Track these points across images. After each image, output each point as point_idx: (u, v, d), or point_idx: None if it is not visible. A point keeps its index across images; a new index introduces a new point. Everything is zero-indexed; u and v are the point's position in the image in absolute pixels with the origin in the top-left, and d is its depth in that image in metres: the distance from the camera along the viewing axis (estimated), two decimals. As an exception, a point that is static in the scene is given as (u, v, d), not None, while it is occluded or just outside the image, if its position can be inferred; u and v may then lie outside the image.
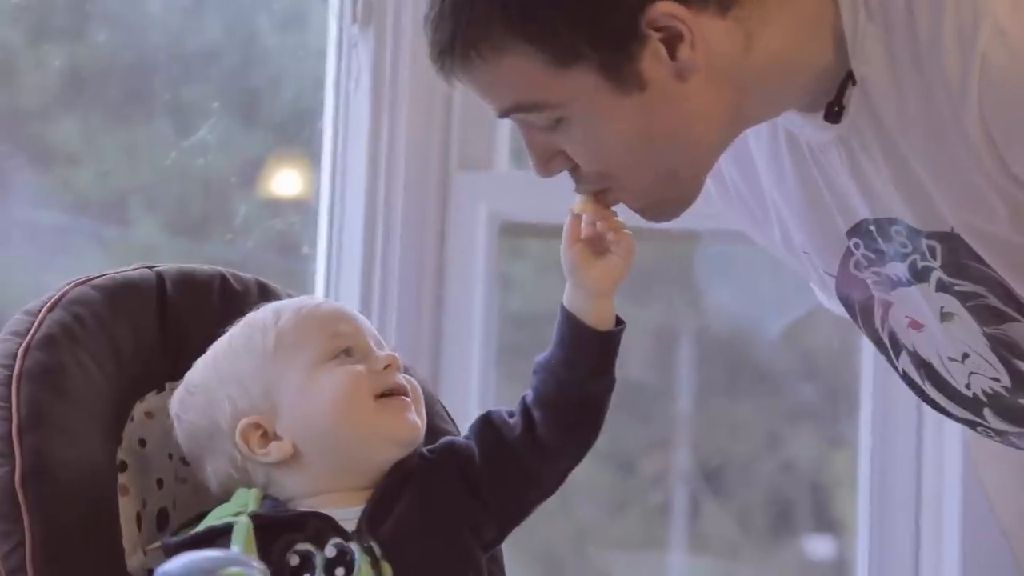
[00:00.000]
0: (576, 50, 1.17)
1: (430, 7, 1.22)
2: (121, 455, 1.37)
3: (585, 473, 2.50)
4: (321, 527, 1.28)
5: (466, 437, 1.35)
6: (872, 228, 1.27)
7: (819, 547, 2.57)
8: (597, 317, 1.30)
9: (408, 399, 1.33)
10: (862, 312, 1.35)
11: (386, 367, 1.33)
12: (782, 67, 1.21)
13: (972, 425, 1.36)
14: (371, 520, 1.29)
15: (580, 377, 1.30)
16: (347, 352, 1.33)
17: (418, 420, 1.33)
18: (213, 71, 2.23)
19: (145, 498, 1.38)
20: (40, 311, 1.39)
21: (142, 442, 1.39)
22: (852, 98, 1.22)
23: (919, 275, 1.27)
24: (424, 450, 1.35)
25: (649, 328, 2.48)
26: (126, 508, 1.36)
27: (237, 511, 1.29)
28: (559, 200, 2.19)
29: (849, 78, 1.21)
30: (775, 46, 1.20)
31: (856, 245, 1.29)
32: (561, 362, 1.30)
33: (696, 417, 2.50)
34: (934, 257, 1.25)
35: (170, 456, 1.40)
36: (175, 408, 1.36)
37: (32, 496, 1.30)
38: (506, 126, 2.18)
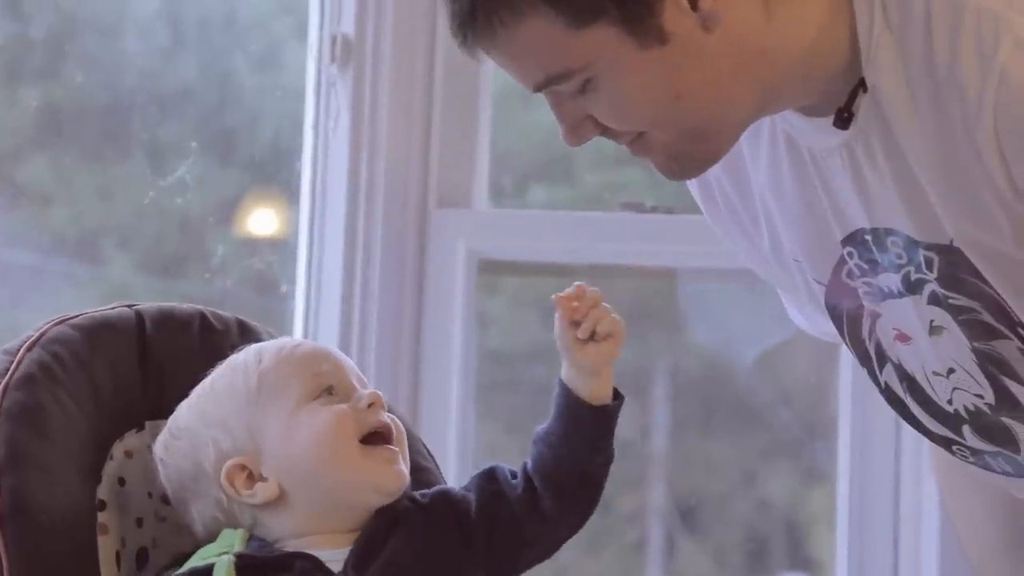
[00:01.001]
0: (595, 7, 1.17)
1: None
2: (101, 494, 1.36)
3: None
4: (307, 568, 1.28)
5: (465, 488, 1.35)
6: (868, 238, 1.27)
7: (795, 584, 2.57)
8: (593, 393, 1.30)
9: (395, 448, 1.33)
10: (850, 322, 1.35)
11: (370, 405, 1.33)
12: (800, 51, 1.22)
13: (948, 444, 1.37)
14: (358, 562, 1.29)
15: (577, 451, 1.30)
16: (329, 391, 1.33)
17: (404, 470, 1.33)
18: (189, 111, 2.24)
19: (124, 537, 1.37)
20: (19, 350, 1.38)
21: (121, 481, 1.38)
22: (862, 105, 1.22)
23: (912, 287, 1.27)
24: (416, 495, 1.34)
25: (624, 366, 2.49)
26: (105, 547, 1.35)
27: (222, 551, 1.29)
28: (537, 238, 2.21)
29: (861, 85, 1.22)
30: (792, 25, 1.21)
31: (850, 254, 1.29)
32: (559, 436, 1.31)
33: (671, 455, 2.50)
34: (930, 269, 1.25)
35: (150, 495, 1.39)
36: (159, 452, 1.35)
37: (11, 536, 1.29)
38: (484, 164, 2.19)
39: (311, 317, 2.06)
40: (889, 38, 1.20)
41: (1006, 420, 1.30)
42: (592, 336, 1.29)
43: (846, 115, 1.23)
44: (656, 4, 1.17)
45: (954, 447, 1.37)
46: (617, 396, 1.32)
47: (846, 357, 2.20)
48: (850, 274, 1.31)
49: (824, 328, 1.40)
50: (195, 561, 1.29)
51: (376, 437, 1.32)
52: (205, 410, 1.34)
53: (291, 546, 1.30)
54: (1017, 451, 1.32)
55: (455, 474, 1.91)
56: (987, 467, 1.37)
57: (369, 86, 2.06)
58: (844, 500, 2.22)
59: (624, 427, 2.47)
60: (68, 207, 2.27)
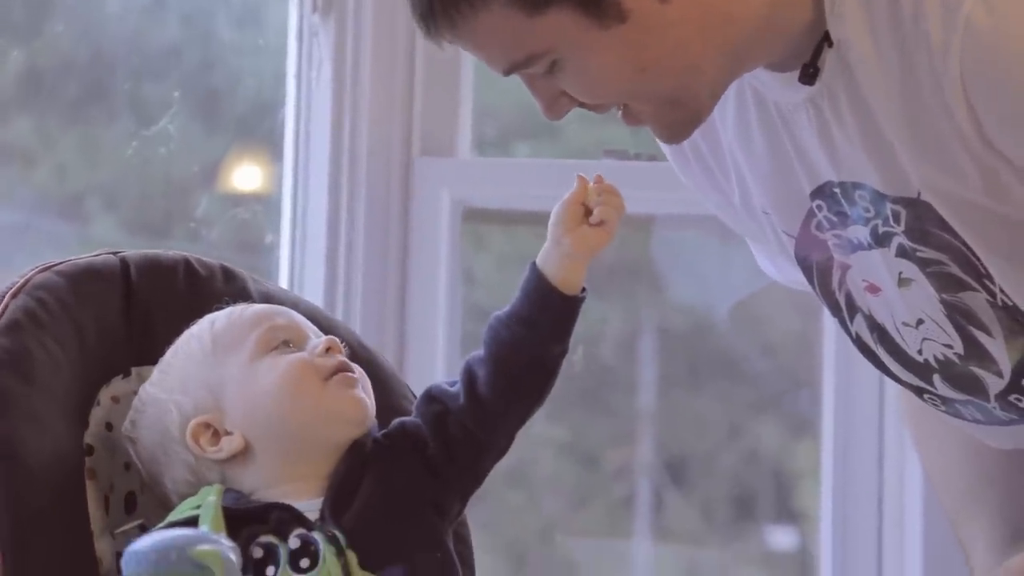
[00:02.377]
0: None
1: None
2: (88, 439, 1.36)
3: (550, 467, 2.52)
4: (283, 518, 1.28)
5: (414, 417, 1.35)
6: (837, 191, 1.28)
7: (782, 537, 2.58)
8: (565, 281, 1.29)
9: (354, 375, 1.33)
10: (819, 273, 1.36)
11: (327, 350, 1.33)
12: (765, 9, 1.22)
13: (920, 392, 1.37)
14: (333, 508, 1.29)
15: (539, 337, 1.29)
16: (286, 343, 1.34)
17: (365, 397, 1.33)
18: (171, 68, 2.23)
19: (113, 481, 1.37)
20: (4, 297, 1.38)
21: (108, 426, 1.38)
22: (827, 60, 1.22)
23: (880, 240, 1.28)
24: (378, 435, 1.34)
25: (611, 322, 2.49)
26: (93, 492, 1.35)
27: (198, 504, 1.29)
28: (521, 187, 2.21)
29: (825, 39, 1.22)
30: None
31: (819, 207, 1.30)
32: (522, 319, 1.29)
33: (659, 410, 2.51)
34: (897, 222, 1.25)
35: (137, 440, 1.40)
36: (127, 431, 1.36)
37: (0, 481, 1.30)
38: (468, 113, 2.19)
39: (296, 268, 2.06)
40: None
41: (975, 369, 1.31)
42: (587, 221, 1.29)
43: (811, 70, 1.23)
44: None
45: (925, 395, 1.37)
46: (583, 290, 1.31)
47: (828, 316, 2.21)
48: (819, 226, 1.31)
49: (795, 277, 1.40)
50: (174, 516, 1.29)
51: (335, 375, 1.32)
52: (165, 380, 1.35)
53: (267, 497, 1.30)
54: (987, 399, 1.33)
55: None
56: (958, 414, 1.37)
57: (351, 35, 2.06)
58: (828, 452, 2.23)
59: (611, 383, 2.48)
60: (52, 166, 2.27)
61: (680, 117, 1.25)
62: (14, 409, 1.32)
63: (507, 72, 1.23)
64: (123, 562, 1.18)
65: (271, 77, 2.22)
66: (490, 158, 2.23)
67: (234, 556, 1.12)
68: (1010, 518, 1.47)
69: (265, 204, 2.23)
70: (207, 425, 1.32)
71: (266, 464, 1.31)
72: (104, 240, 2.23)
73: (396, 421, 1.35)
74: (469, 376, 1.32)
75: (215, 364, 1.33)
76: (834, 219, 1.30)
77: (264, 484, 1.31)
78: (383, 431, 1.35)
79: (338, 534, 1.27)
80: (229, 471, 1.32)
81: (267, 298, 1.47)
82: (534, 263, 1.31)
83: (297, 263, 2.06)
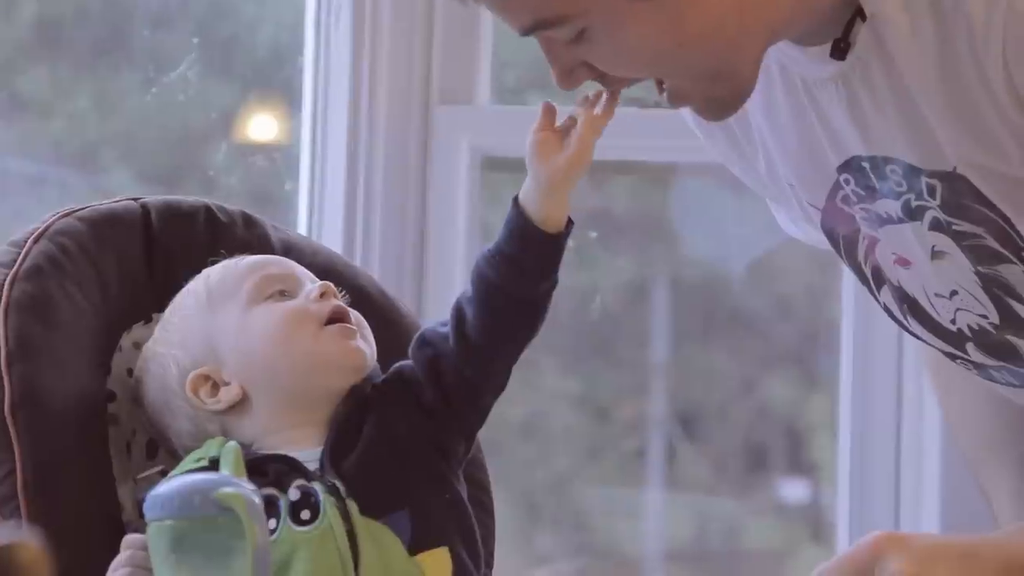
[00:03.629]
0: None
1: None
2: (110, 385, 1.37)
3: (561, 421, 2.52)
4: (282, 469, 1.27)
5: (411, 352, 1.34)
6: (866, 165, 1.27)
7: (793, 490, 2.59)
8: (547, 215, 1.26)
9: (351, 326, 1.32)
10: (846, 245, 1.35)
11: (322, 295, 1.32)
12: None
13: (952, 357, 1.37)
14: (333, 456, 1.28)
15: (523, 275, 1.27)
16: (281, 293, 1.33)
17: (363, 345, 1.32)
18: (186, 17, 2.22)
19: (135, 427, 1.37)
20: (25, 243, 1.38)
21: (130, 372, 1.38)
22: (860, 35, 1.21)
23: (912, 214, 1.26)
24: (377, 381, 1.34)
25: (622, 274, 2.49)
26: (116, 437, 1.36)
27: (200, 457, 1.29)
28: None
29: (858, 13, 1.20)
30: None
31: (846, 180, 1.29)
32: (505, 258, 1.27)
33: (672, 362, 2.51)
34: (933, 196, 1.24)
35: (159, 386, 1.40)
36: (133, 387, 1.36)
37: (22, 424, 1.30)
38: (487, 61, 2.18)
39: (315, 216, 2.06)
40: None
41: (1011, 338, 1.30)
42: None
43: (843, 44, 1.21)
44: None
45: (958, 360, 1.37)
46: (569, 223, 1.28)
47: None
48: (846, 199, 1.30)
49: (818, 238, 1.39)
50: (180, 469, 1.29)
51: (331, 322, 1.32)
52: (163, 335, 1.35)
53: (266, 447, 1.30)
54: (1021, 364, 1.32)
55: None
56: (990, 378, 1.37)
57: (371, -20, 2.05)
58: (847, 406, 2.23)
59: (624, 335, 2.48)
60: (66, 118, 2.26)
61: (722, 93, 1.22)
62: (37, 353, 1.33)
63: (528, 31, 1.19)
64: (145, 507, 1.18)
65: (287, 26, 2.21)
66: (508, 106, 2.22)
67: (257, 499, 1.12)
68: None
69: (282, 153, 2.23)
70: (206, 377, 1.32)
71: (264, 413, 1.31)
72: (120, 191, 2.23)
73: (394, 367, 1.34)
74: (458, 317, 1.30)
75: (211, 316, 1.33)
76: (862, 193, 1.28)
77: (263, 433, 1.31)
78: (382, 378, 1.34)
79: (338, 484, 1.27)
80: (229, 421, 1.32)
81: (287, 245, 1.46)
82: (516, 199, 1.28)
83: (316, 211, 2.05)
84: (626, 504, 2.52)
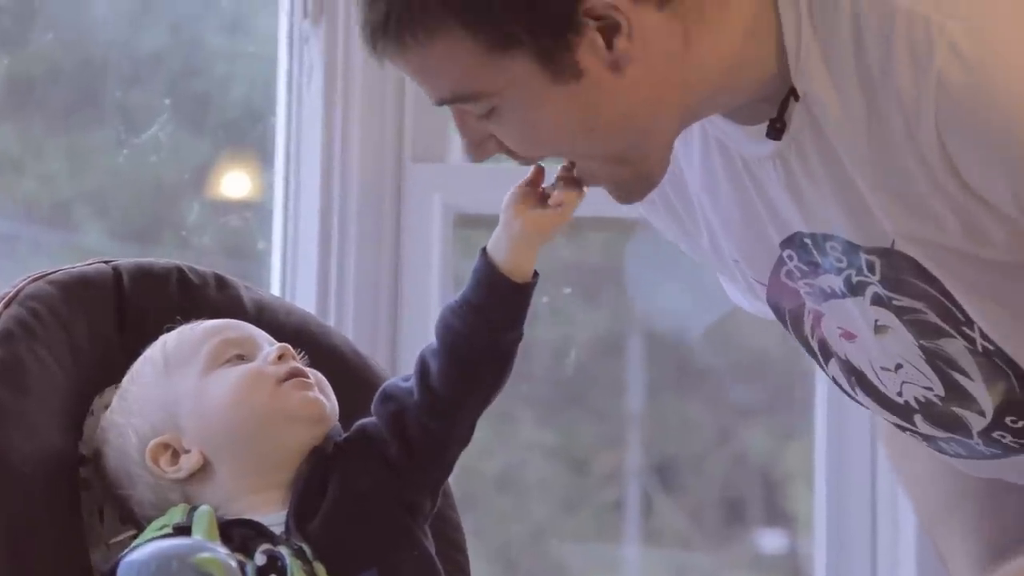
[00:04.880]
0: (513, 36, 1.15)
1: None
2: (82, 448, 1.36)
3: (539, 472, 2.52)
4: (248, 534, 1.27)
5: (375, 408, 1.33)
6: (807, 241, 1.27)
7: (772, 540, 2.59)
8: (516, 265, 1.26)
9: (309, 380, 1.31)
10: (792, 319, 1.35)
11: (279, 357, 1.32)
12: (725, 68, 1.20)
13: (901, 429, 1.37)
14: (298, 519, 1.28)
15: (489, 326, 1.27)
16: (238, 357, 1.33)
17: (321, 397, 1.31)
18: (159, 76, 2.23)
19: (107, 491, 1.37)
20: (-4, 307, 1.38)
21: (102, 436, 1.38)
22: (794, 114, 1.21)
23: (854, 289, 1.26)
24: (339, 439, 1.33)
25: (598, 326, 2.50)
26: (88, 501, 1.35)
27: (163, 524, 1.28)
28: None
29: (791, 93, 1.21)
30: (715, 46, 1.19)
31: (789, 256, 1.29)
32: (471, 308, 1.27)
33: (647, 414, 2.51)
34: (872, 272, 1.25)
35: (131, 450, 1.39)
36: (94, 457, 1.35)
37: (-7, 490, 1.29)
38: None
39: (288, 275, 2.06)
40: (818, 45, 1.19)
41: (957, 410, 1.31)
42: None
43: (778, 125, 1.21)
44: (573, 40, 1.15)
45: (907, 432, 1.37)
46: (535, 275, 1.27)
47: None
48: (790, 275, 1.30)
49: (764, 310, 1.39)
50: (149, 534, 1.28)
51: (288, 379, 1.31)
52: (122, 404, 1.35)
53: (231, 513, 1.29)
54: (970, 436, 1.32)
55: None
56: (940, 450, 1.37)
57: (342, 41, 2.05)
58: (822, 456, 2.23)
59: (600, 387, 2.48)
60: (39, 176, 2.26)
61: (629, 176, 1.23)
62: (7, 418, 1.32)
63: (443, 102, 1.20)
64: (120, 571, 1.18)
65: (259, 84, 2.21)
66: (482, 165, 2.22)
67: (233, 563, 1.12)
68: (987, 534, 1.46)
69: (255, 211, 2.23)
70: (165, 446, 1.32)
71: (227, 479, 1.30)
72: (93, 249, 2.22)
73: (357, 424, 1.34)
74: (423, 369, 1.30)
75: (168, 383, 1.33)
76: (805, 268, 1.29)
77: (227, 499, 1.30)
78: (345, 436, 1.33)
79: (304, 547, 1.26)
80: (191, 489, 1.31)
81: (260, 306, 1.46)
82: (484, 249, 1.28)
83: (289, 270, 2.05)
84: (603, 558, 2.51)
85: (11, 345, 1.35)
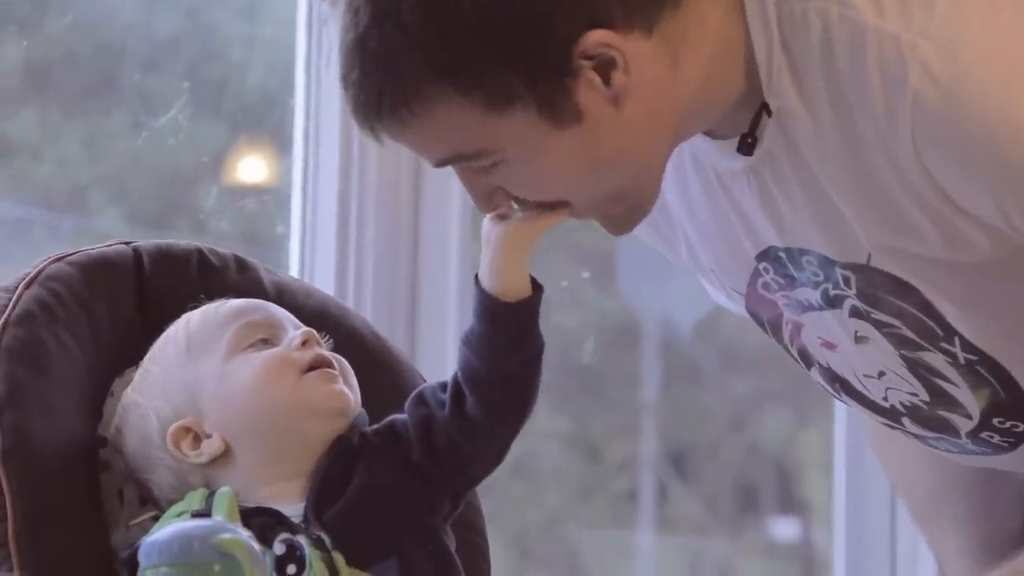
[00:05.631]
0: (510, 93, 1.14)
1: (348, 67, 1.17)
2: (101, 430, 1.36)
3: (553, 461, 2.51)
4: (267, 523, 1.26)
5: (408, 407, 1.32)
6: (782, 255, 1.27)
7: (786, 528, 2.59)
8: (505, 285, 1.24)
9: (333, 371, 1.30)
10: (771, 328, 1.34)
11: (304, 343, 1.30)
12: (707, 86, 1.20)
13: (890, 427, 1.36)
14: (317, 508, 1.27)
15: (499, 352, 1.25)
16: (263, 341, 1.31)
17: (346, 390, 1.30)
18: (176, 59, 2.23)
19: (127, 473, 1.36)
20: (17, 288, 1.38)
21: (123, 418, 1.38)
22: (767, 129, 1.21)
23: (832, 302, 1.26)
24: (369, 430, 1.32)
25: (612, 315, 2.49)
26: (108, 484, 1.35)
27: (182, 511, 1.27)
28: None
29: (763, 109, 1.20)
30: (698, 65, 1.19)
31: (765, 269, 1.29)
32: (479, 337, 1.25)
33: (662, 403, 2.51)
34: (848, 287, 1.24)
35: (151, 432, 1.39)
36: (113, 438, 1.34)
37: (13, 472, 1.29)
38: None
39: (307, 258, 2.05)
40: (788, 62, 1.18)
41: (943, 413, 1.30)
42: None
43: (750, 140, 1.21)
44: (570, 84, 1.15)
45: (896, 430, 1.37)
46: (537, 287, 1.25)
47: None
48: (767, 287, 1.30)
49: (742, 312, 1.39)
50: (167, 520, 1.27)
51: (313, 369, 1.30)
52: (143, 384, 1.34)
53: (251, 501, 1.28)
54: (958, 436, 1.32)
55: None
56: (930, 446, 1.37)
57: (361, 24, 2.05)
58: (841, 444, 2.22)
59: (614, 375, 2.48)
60: (55, 161, 2.26)
61: (623, 211, 1.23)
62: (28, 400, 1.32)
63: (443, 163, 1.19)
64: (141, 553, 1.17)
65: (277, 69, 2.21)
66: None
67: (256, 544, 1.12)
68: (978, 525, 1.46)
69: (274, 195, 2.23)
70: (187, 429, 1.31)
71: (248, 465, 1.30)
72: (110, 234, 2.22)
73: (388, 419, 1.33)
74: (455, 389, 1.28)
75: (190, 365, 1.31)
76: (781, 281, 1.28)
77: (247, 486, 1.29)
78: (374, 427, 1.32)
79: (323, 536, 1.25)
80: (212, 474, 1.30)
81: (280, 288, 1.46)
82: (476, 277, 1.26)
83: (308, 254, 2.05)
84: (618, 545, 2.51)
85: (31, 326, 1.34)
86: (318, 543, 1.25)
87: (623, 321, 2.48)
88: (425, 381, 1.46)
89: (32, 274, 1.39)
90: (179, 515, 1.26)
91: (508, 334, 1.25)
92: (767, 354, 2.51)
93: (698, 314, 2.49)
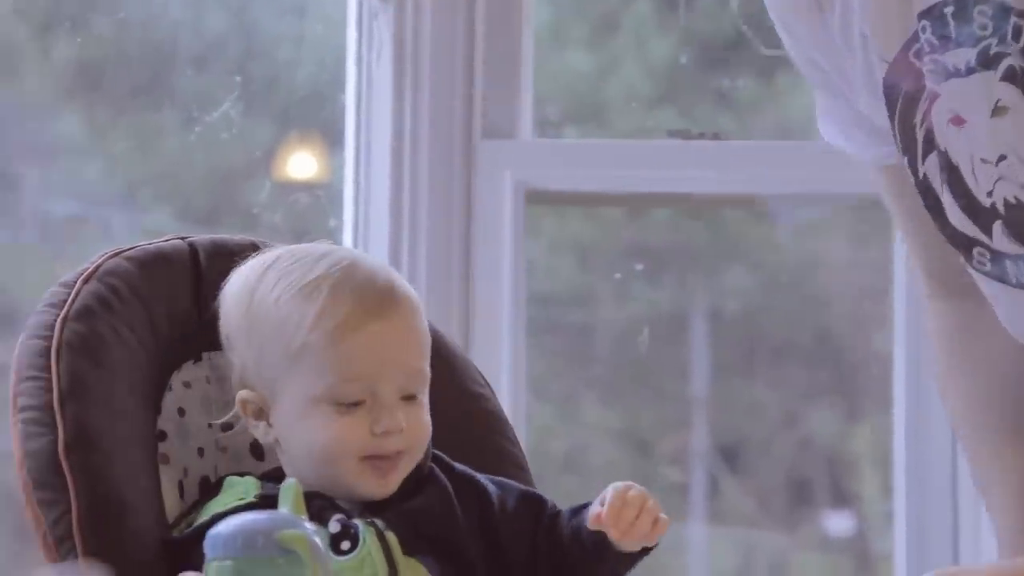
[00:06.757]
0: None
1: None
2: (161, 424, 1.37)
3: (604, 455, 2.51)
4: (323, 505, 1.28)
5: (519, 497, 1.33)
6: (948, 10, 1.24)
7: (840, 523, 2.57)
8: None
9: (394, 459, 1.29)
10: (904, 105, 1.31)
11: (385, 433, 1.29)
12: None
13: (970, 247, 1.32)
14: (372, 510, 1.29)
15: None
16: (355, 404, 1.29)
17: (394, 480, 1.30)
18: (225, 57, 2.23)
19: (186, 467, 1.37)
20: (75, 283, 1.38)
21: (181, 411, 1.38)
22: None
23: (988, 62, 1.24)
24: (447, 460, 1.33)
25: (662, 308, 2.48)
26: (167, 476, 1.36)
27: (238, 499, 1.29)
28: (582, 167, 2.20)
29: None
30: None
31: (924, 28, 1.26)
32: (578, 558, 1.29)
33: (713, 396, 2.50)
34: (1017, 39, 1.21)
35: (209, 425, 1.39)
36: (234, 319, 1.33)
37: (76, 464, 1.30)
38: (528, 95, 2.18)
39: (359, 249, 2.06)
40: None
41: None
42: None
43: None
44: None
45: (975, 249, 1.32)
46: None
47: (899, 289, 2.20)
48: (918, 53, 1.28)
49: (864, 140, 1.37)
50: (216, 508, 1.29)
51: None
52: (255, 324, 1.32)
53: (305, 486, 1.27)
54: None
55: (508, 402, 1.91)
56: (1003, 275, 1.32)
57: (411, 18, 2.05)
58: (900, 438, 2.21)
59: (665, 368, 2.47)
60: (107, 158, 2.27)
61: None
62: (89, 393, 1.33)
63: None
64: (206, 545, 1.17)
65: (329, 63, 2.21)
66: (551, 139, 2.23)
67: (319, 540, 1.12)
68: None
69: (326, 190, 2.23)
70: (255, 404, 1.32)
71: (299, 476, 1.28)
72: (160, 231, 2.23)
73: (469, 475, 1.33)
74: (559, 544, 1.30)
75: (289, 365, 1.30)
76: (936, 42, 1.26)
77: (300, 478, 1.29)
78: (458, 467, 1.32)
79: (377, 520, 1.27)
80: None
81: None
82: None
83: (361, 247, 2.06)
84: (670, 538, 2.50)
85: (91, 321, 1.35)
86: (371, 524, 1.27)
87: (674, 313, 2.47)
88: (483, 378, 1.46)
89: (90, 269, 1.39)
90: (239, 499, 1.27)
91: (609, 568, 1.29)
92: (819, 347, 2.50)
93: (749, 306, 2.48)
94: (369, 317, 1.29)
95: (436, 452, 1.34)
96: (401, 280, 1.33)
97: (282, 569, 1.11)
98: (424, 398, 1.32)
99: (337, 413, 1.29)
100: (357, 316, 1.29)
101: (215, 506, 1.30)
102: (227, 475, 1.35)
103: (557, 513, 1.33)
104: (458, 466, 1.34)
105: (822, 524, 2.57)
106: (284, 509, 1.22)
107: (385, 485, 1.30)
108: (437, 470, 1.33)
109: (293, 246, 1.37)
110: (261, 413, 1.31)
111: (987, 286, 1.34)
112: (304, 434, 1.29)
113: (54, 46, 2.23)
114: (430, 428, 1.32)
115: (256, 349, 1.32)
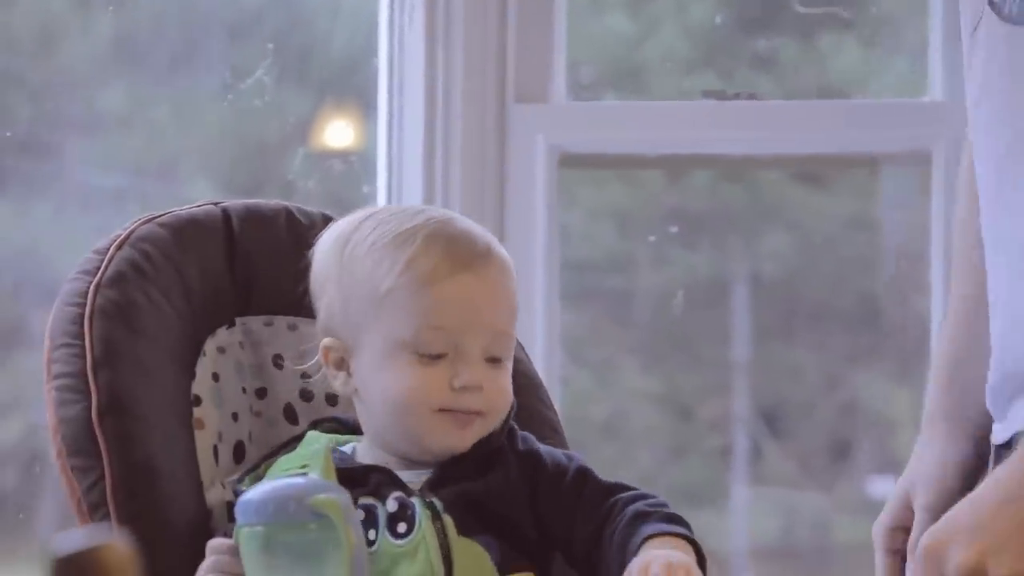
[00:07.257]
0: None
1: None
2: (195, 389, 1.37)
3: (644, 420, 2.50)
4: (383, 480, 1.27)
5: (577, 472, 1.29)
6: None
7: (882, 485, 2.56)
8: None
9: (471, 415, 1.27)
10: None
11: (464, 388, 1.26)
12: None
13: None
14: (433, 485, 1.27)
15: None
16: (437, 356, 1.26)
17: (471, 433, 1.27)
18: (260, 25, 2.23)
19: (221, 431, 1.38)
20: (108, 249, 1.39)
21: (215, 376, 1.39)
22: None
23: None
24: (518, 438, 1.30)
25: (702, 273, 2.47)
26: (202, 441, 1.36)
27: (304, 463, 1.28)
28: (616, 130, 2.19)
29: None
30: None
31: None
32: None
33: (754, 360, 2.49)
34: None
35: (244, 390, 1.40)
36: (331, 253, 1.31)
37: (110, 431, 1.31)
38: (562, 58, 2.17)
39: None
40: None
41: None
42: None
43: None
44: None
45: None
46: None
47: (937, 250, 2.18)
48: None
49: None
50: (277, 471, 1.28)
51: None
52: (346, 268, 1.29)
53: (368, 458, 1.29)
54: None
55: (543, 367, 1.90)
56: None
57: (443, -21, 2.05)
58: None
59: (705, 333, 2.47)
60: (146, 130, 2.28)
61: None
62: (122, 359, 1.33)
63: None
64: (238, 511, 1.18)
65: (362, 30, 2.21)
66: (584, 102, 2.22)
67: (350, 503, 1.12)
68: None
69: (360, 157, 2.23)
70: (337, 353, 1.30)
71: (373, 432, 1.30)
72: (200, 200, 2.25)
73: (535, 451, 1.29)
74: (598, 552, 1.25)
75: (376, 312, 1.27)
76: None
77: (371, 441, 1.30)
78: (524, 446, 1.29)
79: (435, 501, 1.26)
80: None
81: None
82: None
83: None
84: (712, 501, 2.50)
85: (124, 286, 1.36)
86: (429, 506, 1.25)
87: (713, 277, 2.46)
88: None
89: (123, 236, 1.40)
90: (303, 466, 1.25)
91: None
92: (861, 310, 2.49)
93: (789, 269, 2.47)
94: (460, 268, 1.27)
95: (513, 425, 1.31)
96: (498, 244, 1.32)
97: (314, 534, 1.12)
98: (509, 364, 1.29)
99: (419, 363, 1.26)
100: (448, 265, 1.27)
101: (278, 467, 1.29)
102: (311, 425, 1.34)
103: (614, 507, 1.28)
104: (523, 443, 1.31)
105: (863, 487, 2.56)
106: (314, 475, 1.23)
107: (463, 438, 1.27)
108: (507, 447, 1.29)
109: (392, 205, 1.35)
110: (342, 363, 1.29)
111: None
112: (383, 383, 1.27)
113: (94, 21, 2.23)
114: (511, 397, 1.30)
115: (345, 292, 1.29)
